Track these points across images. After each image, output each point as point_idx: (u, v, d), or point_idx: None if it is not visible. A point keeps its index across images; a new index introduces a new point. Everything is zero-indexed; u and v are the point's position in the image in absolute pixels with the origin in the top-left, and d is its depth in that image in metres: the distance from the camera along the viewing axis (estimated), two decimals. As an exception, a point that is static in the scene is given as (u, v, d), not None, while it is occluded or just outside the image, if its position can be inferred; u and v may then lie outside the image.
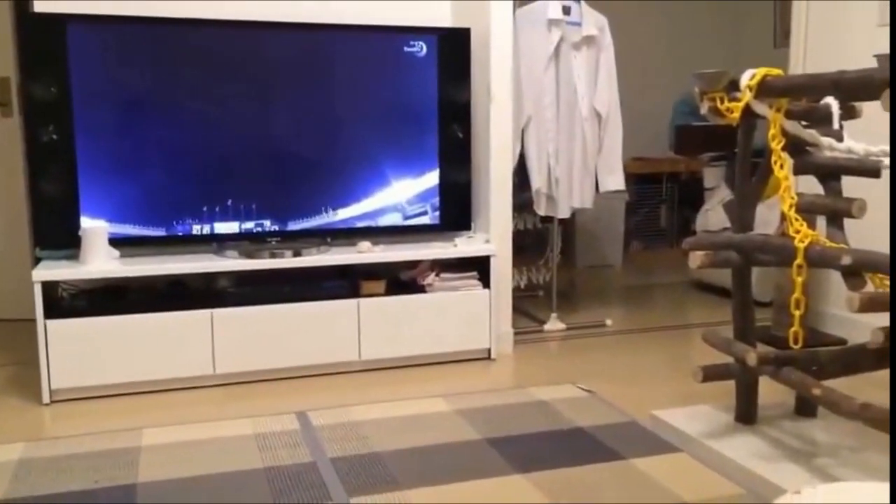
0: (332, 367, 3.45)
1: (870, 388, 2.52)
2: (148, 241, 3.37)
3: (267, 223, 3.51)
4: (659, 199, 6.45)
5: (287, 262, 3.38)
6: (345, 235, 3.62)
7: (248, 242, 3.46)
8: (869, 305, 1.99)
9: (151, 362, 3.19)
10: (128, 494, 2.31)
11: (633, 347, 3.88)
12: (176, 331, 3.21)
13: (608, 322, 4.30)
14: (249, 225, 3.48)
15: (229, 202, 3.45)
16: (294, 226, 3.54)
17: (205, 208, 3.42)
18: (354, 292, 3.47)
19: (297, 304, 3.36)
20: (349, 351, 3.44)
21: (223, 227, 3.45)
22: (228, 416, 2.96)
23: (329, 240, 3.59)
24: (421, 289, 3.59)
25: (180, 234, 3.40)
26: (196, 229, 3.42)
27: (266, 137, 3.46)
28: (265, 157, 3.47)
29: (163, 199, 3.36)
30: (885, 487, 1.23)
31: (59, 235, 3.26)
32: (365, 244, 3.56)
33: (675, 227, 6.34)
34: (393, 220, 3.67)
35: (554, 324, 4.21)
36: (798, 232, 2.26)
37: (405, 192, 3.67)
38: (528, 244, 4.54)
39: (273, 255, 3.38)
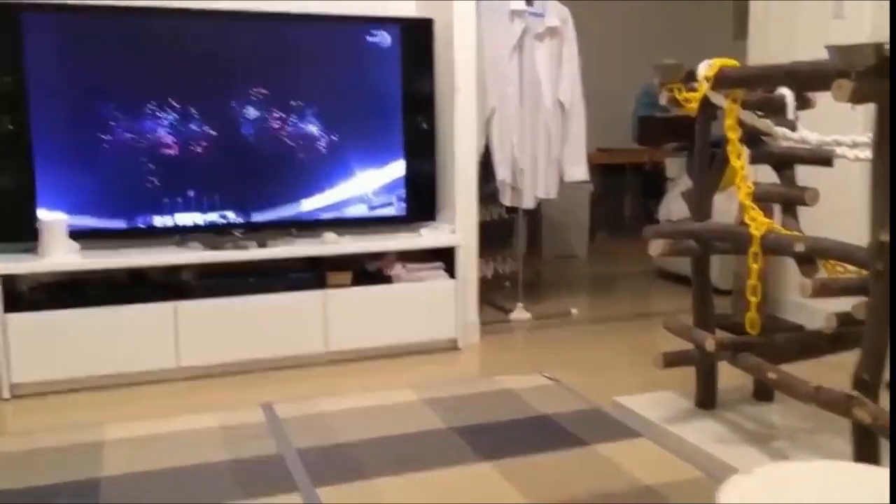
0: (299, 359, 3.44)
1: (825, 371, 2.58)
2: (109, 233, 3.33)
3: (230, 215, 3.49)
4: (623, 189, 6.53)
5: (251, 253, 3.36)
6: (310, 227, 3.61)
7: (212, 234, 3.44)
8: (821, 291, 2.05)
9: (114, 356, 3.16)
10: (91, 489, 2.29)
11: (598, 336, 3.93)
12: (139, 324, 3.18)
13: (573, 311, 4.35)
14: (213, 216, 3.46)
15: (192, 193, 3.42)
16: (258, 217, 3.53)
17: (167, 200, 3.39)
18: (320, 283, 3.47)
19: (263, 296, 3.35)
20: (315, 342, 3.43)
21: (186, 219, 3.43)
22: (193, 409, 2.94)
23: (294, 231, 3.58)
24: (387, 279, 3.60)
25: (142, 226, 3.37)
26: (158, 221, 3.39)
27: (228, 128, 3.44)
28: (228, 149, 3.45)
29: (123, 191, 3.32)
30: (835, 465, 1.28)
31: (16, 228, 3.21)
32: (330, 235, 3.55)
33: (639, 218, 6.42)
34: (358, 211, 3.67)
35: (520, 313, 4.24)
36: (754, 220, 2.31)
37: (370, 184, 3.67)
38: (493, 235, 4.56)
39: (237, 247, 3.37)
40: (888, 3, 2.56)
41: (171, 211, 3.40)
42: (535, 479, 2.33)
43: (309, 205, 3.59)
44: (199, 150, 3.40)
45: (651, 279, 5.21)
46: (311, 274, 3.49)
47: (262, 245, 3.41)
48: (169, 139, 3.35)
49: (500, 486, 2.29)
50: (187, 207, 3.42)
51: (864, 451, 2.02)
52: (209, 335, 3.28)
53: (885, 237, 1.93)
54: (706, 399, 2.77)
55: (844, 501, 1.11)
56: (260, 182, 3.51)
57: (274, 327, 3.36)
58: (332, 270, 3.50)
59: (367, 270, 3.66)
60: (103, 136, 3.27)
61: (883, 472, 1.29)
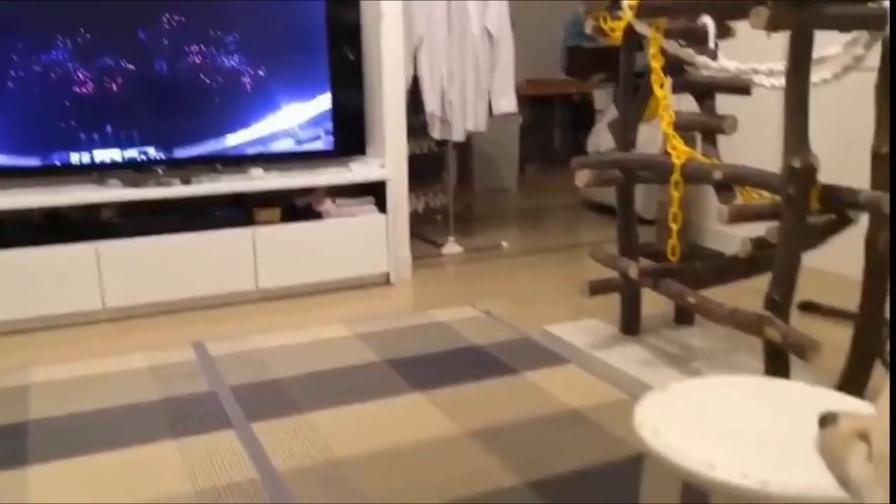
0: (229, 298, 3.41)
1: (741, 295, 2.69)
2: (22, 171, 3.19)
3: (151, 151, 3.37)
4: (552, 121, 6.56)
5: (175, 190, 3.27)
6: (235, 162, 3.53)
7: (133, 171, 3.33)
8: (737, 217, 2.12)
9: (36, 298, 3.07)
10: (19, 433, 2.25)
11: (528, 268, 4.00)
12: (59, 265, 3.08)
13: (504, 244, 4.40)
14: (132, 153, 3.34)
15: (109, 129, 3.29)
16: (181, 153, 3.42)
17: (83, 136, 3.25)
18: (248, 221, 3.41)
19: (189, 235, 3.28)
20: (246, 280, 3.40)
21: (104, 156, 3.30)
22: (121, 349, 2.89)
23: (219, 167, 3.49)
24: (317, 215, 3.56)
25: (57, 163, 3.23)
26: (75, 158, 3.25)
27: (147, 61, 3.29)
28: (146, 81, 3.31)
29: (36, 128, 3.17)
30: (745, 380, 1.34)
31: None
32: (257, 171, 3.48)
33: (569, 150, 6.48)
34: (285, 145, 3.59)
35: (451, 247, 4.27)
36: (675, 149, 2.36)
37: (296, 117, 3.59)
38: (424, 168, 4.55)
39: (160, 184, 3.27)
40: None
41: (87, 147, 3.26)
42: (467, 407, 2.39)
43: (234, 140, 3.50)
44: (115, 83, 3.26)
45: (580, 211, 5.29)
46: (239, 211, 3.43)
47: (185, 182, 3.32)
48: (82, 72, 3.20)
49: (433, 415, 2.34)
50: (105, 144, 3.29)
51: (775, 367, 2.13)
52: (134, 275, 3.20)
53: (797, 163, 2.00)
54: (630, 325, 2.87)
55: (751, 410, 1.18)
56: (181, 116, 3.39)
57: (202, 266, 3.31)
58: (259, 207, 3.44)
59: (296, 206, 3.62)
60: (11, 72, 3.09)
61: (790, 385, 1.36)
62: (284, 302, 3.46)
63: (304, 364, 2.73)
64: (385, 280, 3.70)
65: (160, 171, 3.36)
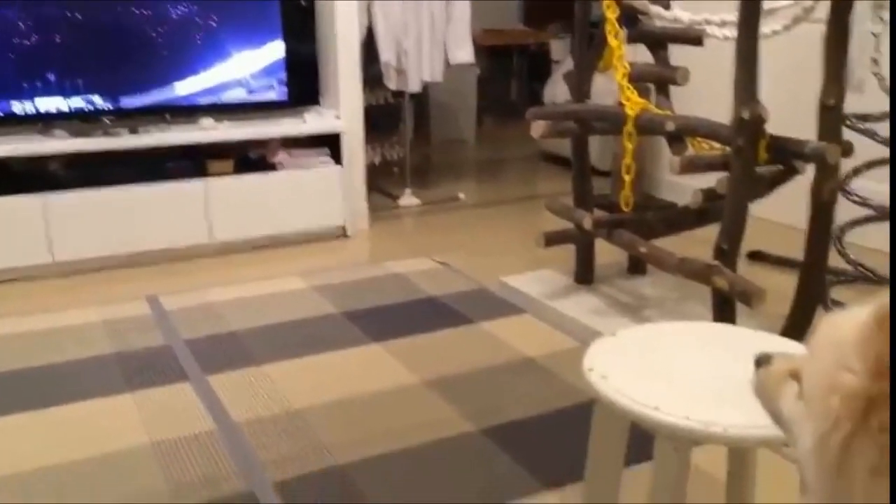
0: (183, 251, 3.36)
1: (692, 245, 2.74)
2: (-38, 123, 3.08)
3: (98, 100, 3.27)
4: (509, 72, 6.52)
5: (123, 141, 3.19)
6: (186, 113, 3.44)
7: (79, 121, 3.23)
8: (688, 167, 2.16)
9: (-19, 254, 3.00)
10: (-34, 389, 2.22)
11: (485, 220, 4.02)
12: (5, 218, 3.00)
13: (461, 196, 4.40)
14: (78, 102, 3.24)
15: (52, 78, 3.18)
16: (128, 103, 3.33)
17: (25, 85, 3.14)
18: (201, 172, 3.35)
19: (139, 187, 3.21)
20: (199, 233, 3.35)
21: (48, 105, 3.19)
22: (73, 304, 2.85)
23: (169, 117, 3.41)
24: (271, 167, 3.52)
25: (0, 113, 3.12)
26: (17, 108, 3.15)
27: (92, 7, 3.17)
28: (91, 29, 3.20)
29: (-25, 77, 3.05)
30: (692, 325, 1.38)
31: None
32: (208, 121, 3.41)
33: (526, 101, 6.46)
34: (237, 95, 3.52)
35: (408, 199, 4.26)
36: (629, 100, 2.37)
37: (248, 66, 3.51)
38: (380, 120, 4.50)
39: (107, 135, 3.19)
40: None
41: (30, 96, 3.15)
42: (424, 356, 2.42)
43: (183, 89, 3.41)
44: (58, 31, 3.14)
45: (537, 162, 5.31)
46: (191, 162, 3.36)
47: (134, 132, 3.24)
48: (24, 20, 3.07)
49: (390, 365, 2.37)
50: (49, 92, 3.18)
51: (722, 314, 2.19)
52: (84, 228, 3.14)
53: (746, 114, 2.03)
54: (585, 275, 2.91)
55: (696, 355, 1.22)
56: (128, 65, 3.29)
57: (154, 219, 3.25)
58: (212, 158, 3.38)
59: (249, 158, 3.56)
60: (-56, 15, 2.96)
61: (735, 331, 1.41)
62: (240, 255, 3.43)
63: (261, 317, 2.72)
64: (342, 232, 3.69)
65: (107, 121, 3.27)
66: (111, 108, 3.30)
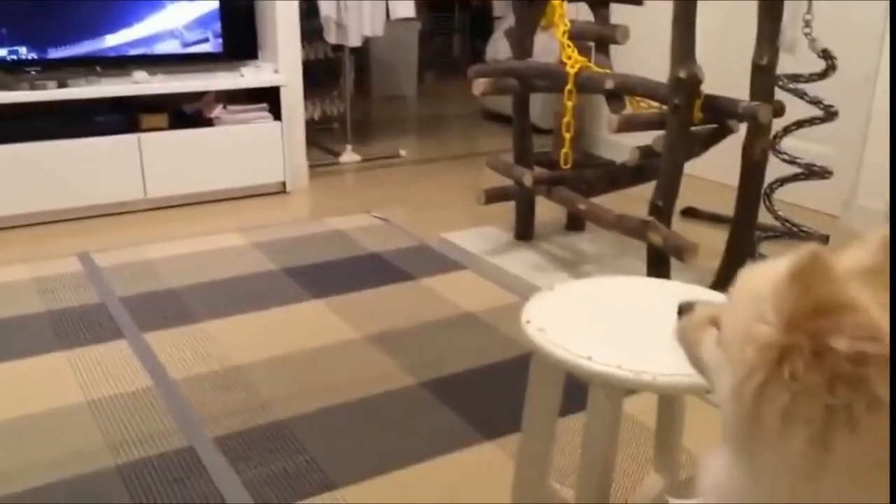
0: (116, 207, 3.27)
1: (629, 202, 2.80)
2: None
3: (22, 50, 3.13)
4: (452, 28, 6.46)
5: (50, 93, 3.07)
6: (117, 65, 3.32)
7: (3, 73, 3.09)
8: (626, 126, 2.19)
9: None
10: None
11: (426, 176, 4.02)
12: (-75, 174, 2.88)
13: (402, 153, 4.38)
14: (1, 52, 3.09)
15: (-28, 25, 3.02)
16: (56, 54, 3.19)
17: (-58, 32, 2.98)
18: (133, 127, 3.25)
19: (69, 141, 3.10)
20: (133, 189, 3.26)
21: (-32, 55, 3.05)
22: (1, 261, 2.76)
23: (99, 70, 3.29)
24: (208, 122, 3.43)
25: (-85, 63, 2.97)
26: (-65, 58, 2.99)
27: (10, -51, 3.02)
28: (12, -26, 3.04)
29: None
30: (627, 280, 1.42)
31: None
32: (141, 74, 3.30)
33: (468, 57, 6.43)
34: (170, 47, 3.41)
35: (349, 156, 4.22)
36: (570, 58, 2.39)
37: (182, 17, 3.40)
38: (319, 75, 4.42)
39: (34, 87, 3.06)
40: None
41: (-52, 45, 3.00)
42: (365, 312, 2.42)
43: (114, 40, 3.29)
44: (-25, -26, 2.98)
45: (479, 119, 5.31)
46: (123, 116, 3.26)
47: (62, 85, 3.11)
48: (-64, -40, 2.90)
49: (331, 320, 2.37)
50: (-32, 41, 3.03)
51: (656, 269, 2.26)
52: (11, 184, 3.02)
53: (683, 73, 2.07)
54: (524, 231, 2.95)
55: (630, 308, 1.26)
56: (55, 14, 3.14)
57: (84, 174, 3.15)
58: (145, 113, 3.28)
59: (184, 113, 3.47)
60: None
61: (667, 284, 1.45)
62: (176, 211, 3.36)
63: (199, 274, 2.69)
64: (281, 189, 3.64)
65: (33, 72, 3.13)
66: (37, 58, 3.16)
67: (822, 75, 2.41)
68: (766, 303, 0.58)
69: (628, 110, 2.33)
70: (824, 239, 2.76)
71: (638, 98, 2.35)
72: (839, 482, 0.55)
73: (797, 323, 0.55)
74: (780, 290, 0.57)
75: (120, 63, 3.32)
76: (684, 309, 0.78)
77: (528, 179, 2.62)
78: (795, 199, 3.04)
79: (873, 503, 0.54)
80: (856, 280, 0.58)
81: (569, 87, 2.40)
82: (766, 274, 0.61)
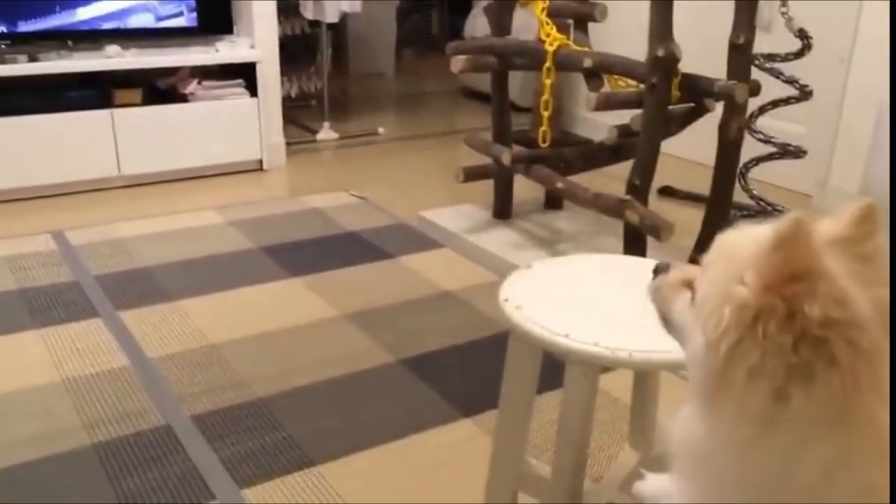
0: (90, 184, 3.23)
1: (606, 180, 2.81)
2: None
3: (-9, 24, 3.06)
4: (430, 4, 6.41)
5: (21, 68, 3.01)
6: (89, 38, 3.26)
7: (-29, 46, 3.03)
8: (604, 104, 2.19)
9: None
10: None
11: (405, 154, 4.00)
12: None
13: (381, 130, 4.36)
14: (-32, 25, 3.03)
15: (-62, -3, 2.95)
16: (26, 27, 3.13)
17: None
18: (106, 102, 3.20)
19: (40, 117, 3.04)
20: (107, 166, 3.22)
21: (-65, 28, 2.97)
22: (-29, 240, 2.72)
23: (71, 43, 3.22)
24: (182, 98, 3.39)
25: None
26: None
27: (-23, -81, 2.94)
28: (-21, -56, 2.97)
29: None
30: (603, 257, 1.43)
31: None
32: (113, 48, 3.24)
33: (446, 34, 6.38)
34: (144, 21, 3.35)
35: (327, 133, 4.19)
36: (548, 36, 2.38)
37: (155, -10, 3.34)
38: (296, 51, 4.37)
39: (4, 61, 2.99)
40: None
41: (-87, 17, 2.92)
42: (342, 290, 2.42)
43: (86, 13, 3.22)
44: (-60, -57, 2.90)
45: (457, 97, 5.28)
46: (95, 92, 3.20)
47: (33, 59, 3.05)
48: None
49: (309, 299, 2.36)
50: (-66, 13, 2.95)
51: (633, 247, 2.27)
52: (-19, 160, 2.97)
53: (661, 52, 2.07)
54: (503, 209, 2.95)
55: (606, 285, 1.27)
56: (23, -15, 3.08)
57: (57, 150, 3.10)
58: (118, 88, 3.23)
59: (158, 88, 3.42)
60: None
61: (643, 262, 1.46)
62: (151, 189, 3.32)
63: (175, 252, 2.66)
64: (258, 166, 3.61)
65: (3, 46, 3.07)
66: (7, 31, 3.09)
67: (798, 55, 2.42)
68: (745, 265, 0.60)
69: (606, 89, 2.33)
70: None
71: (616, 77, 2.35)
72: (793, 436, 0.59)
73: (774, 286, 0.58)
74: (761, 255, 0.59)
75: (92, 37, 3.26)
76: (660, 269, 0.80)
77: (506, 158, 2.62)
78: (770, 179, 3.07)
79: (826, 457, 0.58)
80: (829, 249, 0.61)
81: (547, 64, 2.39)
82: (745, 239, 0.64)
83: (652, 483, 0.91)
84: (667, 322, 0.76)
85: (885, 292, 0.60)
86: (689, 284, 0.72)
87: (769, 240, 0.58)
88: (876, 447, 0.58)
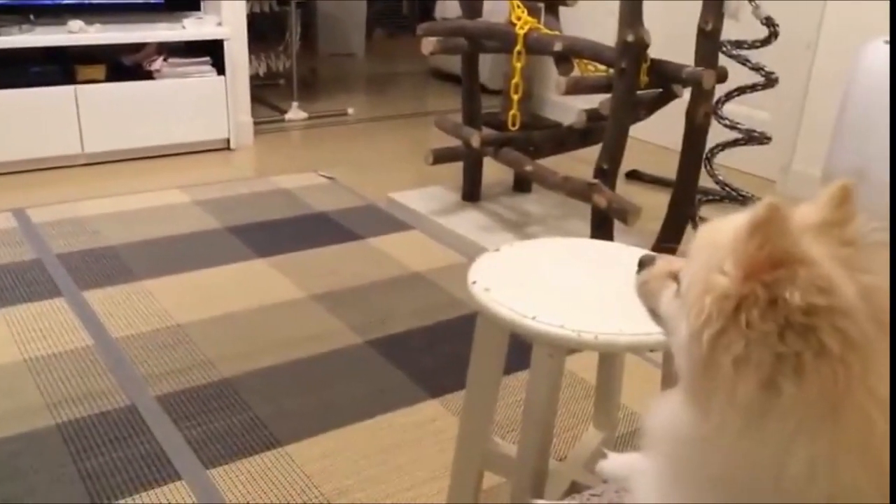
0: (51, 162, 3.16)
1: (575, 164, 2.83)
2: None
3: (-52, -5, 2.98)
4: (401, -16, 6.35)
5: (-20, 42, 2.94)
6: (52, 13, 3.19)
7: (-73, 18, 2.94)
8: (574, 88, 2.20)
9: None
10: None
11: (374, 135, 3.98)
12: None
13: (350, 111, 4.33)
14: (-76, -4, 2.94)
15: None
16: (-15, -1, 3.05)
17: None
18: (69, 78, 3.13)
19: (1, 92, 2.97)
20: (69, 143, 3.16)
21: None
22: (-72, 217, 2.66)
23: (32, 18, 3.14)
24: (148, 75, 3.33)
25: None
26: None
27: None
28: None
29: None
30: (570, 241, 1.44)
31: None
32: (76, 23, 3.17)
33: (418, 15, 6.34)
34: (108, -5, 3.28)
35: (295, 113, 4.15)
36: (519, 19, 2.38)
37: (120, -36, 3.27)
38: (265, 29, 4.32)
39: (-39, 34, 2.92)
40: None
41: None
42: (311, 271, 2.41)
43: (47, -14, 3.15)
44: None
45: (427, 79, 5.26)
46: (58, 67, 3.13)
47: (-8, 32, 2.98)
48: None
49: (276, 279, 2.35)
50: None
51: (600, 230, 2.29)
52: (-62, 136, 2.90)
53: (631, 37, 2.08)
54: (472, 192, 2.96)
55: (573, 268, 1.28)
56: (-18, -44, 2.99)
57: (17, 127, 3.03)
58: (81, 64, 3.16)
59: (123, 65, 3.35)
60: None
61: (610, 245, 1.48)
62: (116, 167, 3.27)
63: (140, 231, 2.63)
64: (225, 145, 3.56)
65: (-40, 17, 2.99)
66: (-36, 2, 3.01)
67: (765, 42, 2.45)
68: (724, 255, 0.60)
69: (576, 73, 2.34)
70: (762, 203, 2.82)
71: (586, 61, 2.36)
72: (783, 428, 0.57)
73: (754, 274, 0.57)
74: (738, 242, 0.58)
75: (55, 11, 3.19)
76: (645, 262, 0.80)
77: (475, 140, 2.62)
78: (734, 164, 3.12)
79: (814, 453, 0.57)
80: (810, 234, 0.60)
81: (518, 48, 2.40)
82: (725, 228, 0.64)
83: (615, 462, 0.92)
84: (654, 315, 0.75)
85: (873, 279, 0.58)
86: (674, 276, 0.71)
87: (745, 226, 0.57)
88: (865, 449, 0.56)
